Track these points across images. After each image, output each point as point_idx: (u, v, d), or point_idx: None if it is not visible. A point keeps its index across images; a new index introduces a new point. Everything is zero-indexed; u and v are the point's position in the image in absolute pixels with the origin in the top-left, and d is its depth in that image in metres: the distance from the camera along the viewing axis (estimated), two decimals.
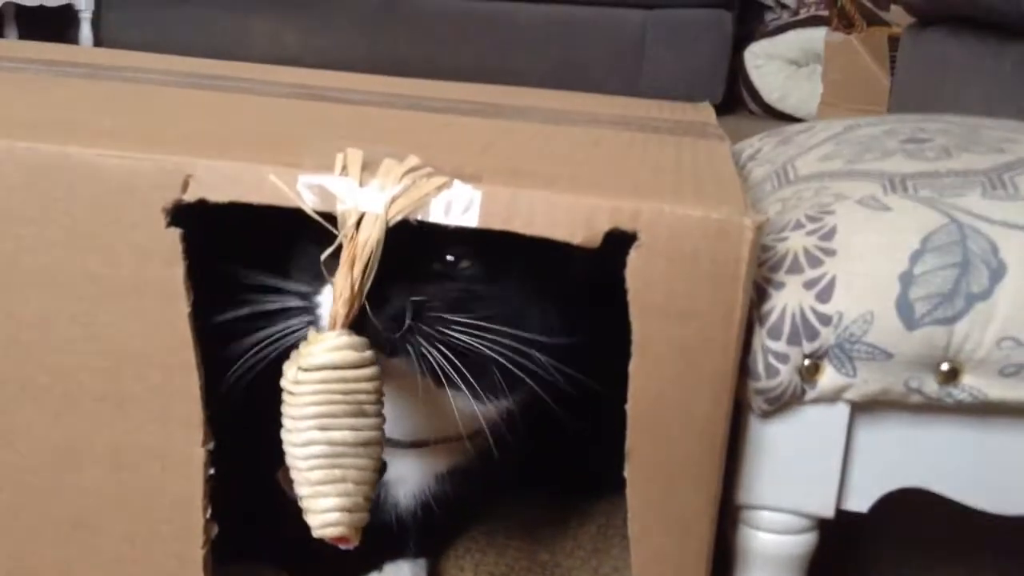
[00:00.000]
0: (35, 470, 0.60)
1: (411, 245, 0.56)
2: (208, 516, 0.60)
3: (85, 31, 3.33)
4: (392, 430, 0.62)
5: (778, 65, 3.27)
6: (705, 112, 0.94)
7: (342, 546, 0.56)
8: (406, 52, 3.22)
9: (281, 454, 0.55)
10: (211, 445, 0.58)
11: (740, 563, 0.62)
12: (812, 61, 3.13)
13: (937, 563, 0.84)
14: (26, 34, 3.33)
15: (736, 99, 3.36)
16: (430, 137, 0.70)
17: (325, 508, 0.54)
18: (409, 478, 0.74)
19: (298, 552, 0.73)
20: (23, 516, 0.61)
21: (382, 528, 0.75)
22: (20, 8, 3.22)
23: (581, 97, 1.00)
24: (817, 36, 3.03)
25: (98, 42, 3.37)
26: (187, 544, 0.60)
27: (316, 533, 0.55)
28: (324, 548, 0.70)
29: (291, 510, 0.56)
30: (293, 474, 0.54)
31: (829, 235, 0.57)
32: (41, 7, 3.16)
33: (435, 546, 0.79)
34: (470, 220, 0.54)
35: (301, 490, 0.54)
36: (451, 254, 0.61)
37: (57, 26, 3.30)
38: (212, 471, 0.59)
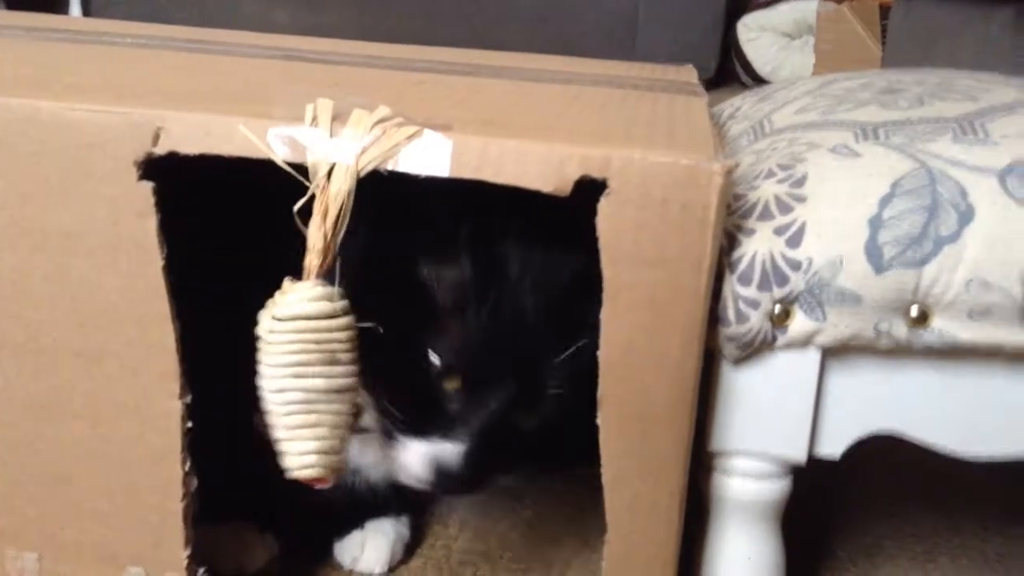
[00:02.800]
0: (13, 425, 0.60)
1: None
2: (187, 470, 0.60)
3: (74, 8, 3.31)
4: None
5: (771, 37, 3.25)
6: (686, 72, 0.93)
7: (318, 486, 0.57)
8: (397, 28, 3.21)
9: (256, 399, 0.55)
10: (188, 398, 0.59)
11: (714, 510, 0.62)
12: (805, 33, 3.12)
13: (910, 510, 0.85)
14: (14, 10, 3.32)
15: (729, 72, 3.35)
16: (404, 92, 0.69)
17: (302, 451, 0.55)
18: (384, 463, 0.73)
19: (282, 512, 0.74)
20: (3, 471, 0.61)
21: (364, 487, 0.76)
22: None
23: (563, 59, 0.99)
24: (810, 8, 3.02)
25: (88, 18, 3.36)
26: (167, 498, 0.60)
27: (293, 475, 0.55)
28: (307, 507, 0.71)
29: (272, 467, 0.57)
30: (269, 419, 0.55)
31: (800, 182, 0.57)
32: None
33: (417, 503, 0.79)
34: (442, 170, 0.54)
35: (278, 434, 0.55)
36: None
37: (46, 3, 3.28)
38: (190, 424, 0.59)
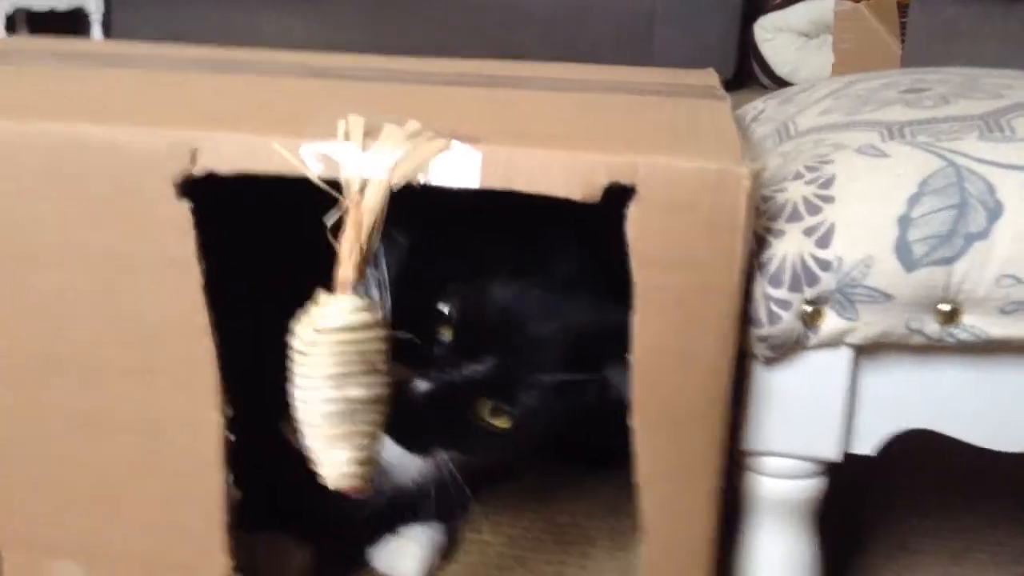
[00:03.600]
0: (60, 440, 0.62)
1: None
2: (228, 481, 0.61)
3: (96, 33, 3.36)
4: None
5: (788, 38, 3.25)
6: (707, 76, 0.94)
7: (355, 496, 0.57)
8: (415, 40, 3.23)
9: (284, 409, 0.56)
10: (229, 410, 0.60)
11: (749, 509, 0.63)
12: (823, 32, 3.12)
13: (946, 506, 0.85)
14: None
15: (747, 74, 3.35)
16: (430, 106, 0.71)
17: (339, 460, 0.56)
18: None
19: (318, 521, 0.75)
20: (52, 484, 0.63)
21: (399, 493, 0.77)
22: (31, 12, 3.26)
23: (585, 67, 1.00)
24: (827, 7, 3.02)
25: None
26: (209, 508, 0.62)
27: (331, 485, 0.56)
28: (344, 515, 0.72)
29: (305, 476, 0.58)
30: (305, 429, 0.56)
31: (828, 183, 0.58)
32: (52, 11, 3.20)
33: (452, 509, 0.80)
34: (471, 181, 0.55)
35: (315, 444, 0.56)
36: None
37: (68, 29, 3.34)
38: (232, 437, 0.61)
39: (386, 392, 0.58)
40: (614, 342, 0.64)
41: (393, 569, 0.77)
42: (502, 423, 0.66)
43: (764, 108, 0.84)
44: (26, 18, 3.34)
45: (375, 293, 0.66)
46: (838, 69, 2.74)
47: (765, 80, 3.33)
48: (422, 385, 0.64)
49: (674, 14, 3.07)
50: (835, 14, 2.83)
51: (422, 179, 0.55)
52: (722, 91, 0.82)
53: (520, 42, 3.17)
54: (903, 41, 2.25)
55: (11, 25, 3.16)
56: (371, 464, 0.58)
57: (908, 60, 2.00)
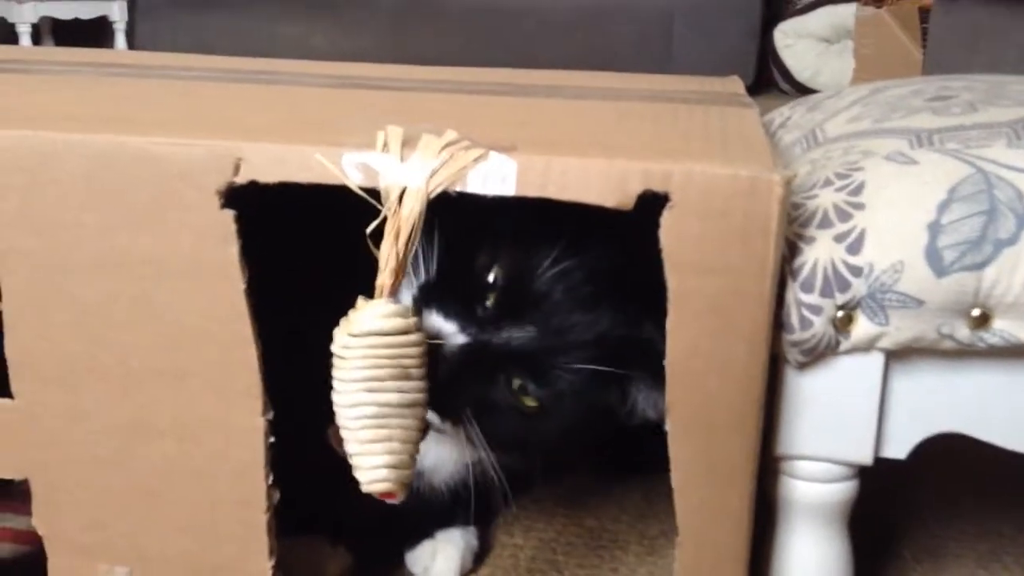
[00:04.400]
0: (104, 444, 0.63)
1: None
2: (269, 483, 0.62)
3: (120, 41, 3.41)
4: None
5: (809, 43, 3.25)
6: (733, 84, 0.95)
7: (389, 500, 0.59)
8: (434, 48, 3.25)
9: (330, 414, 0.58)
10: (270, 415, 0.61)
11: (782, 513, 0.64)
12: (843, 37, 3.12)
13: (975, 510, 0.85)
14: (62, 46, 3.41)
15: (767, 79, 3.35)
16: (466, 115, 0.72)
17: (374, 465, 0.57)
18: (451, 459, 0.76)
19: (354, 524, 0.76)
20: (95, 488, 0.64)
21: (434, 497, 0.78)
22: (56, 22, 3.30)
23: (611, 75, 1.01)
24: (847, 12, 3.02)
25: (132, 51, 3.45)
26: (251, 511, 0.63)
27: (365, 488, 0.57)
28: (379, 519, 0.73)
29: (344, 480, 0.59)
30: (343, 433, 0.57)
31: (858, 190, 0.59)
32: (76, 20, 3.24)
33: (485, 513, 0.81)
34: (508, 189, 0.56)
35: (351, 448, 0.57)
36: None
37: (92, 38, 3.38)
38: (272, 440, 0.62)
39: (421, 398, 0.59)
40: (638, 354, 0.66)
41: (428, 572, 0.78)
42: (530, 402, 0.67)
43: (790, 115, 0.84)
44: (51, 27, 3.38)
45: (421, 274, 0.67)
46: (859, 75, 2.74)
47: (785, 85, 3.33)
48: (459, 338, 0.65)
49: (693, 20, 3.08)
50: (856, 20, 2.84)
51: (459, 188, 0.56)
52: (749, 98, 0.83)
53: (539, 48, 3.19)
54: (924, 46, 2.25)
55: (36, 33, 3.20)
56: (406, 469, 0.59)
57: (930, 65, 2.00)
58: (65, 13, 3.18)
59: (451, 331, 0.65)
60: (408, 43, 3.28)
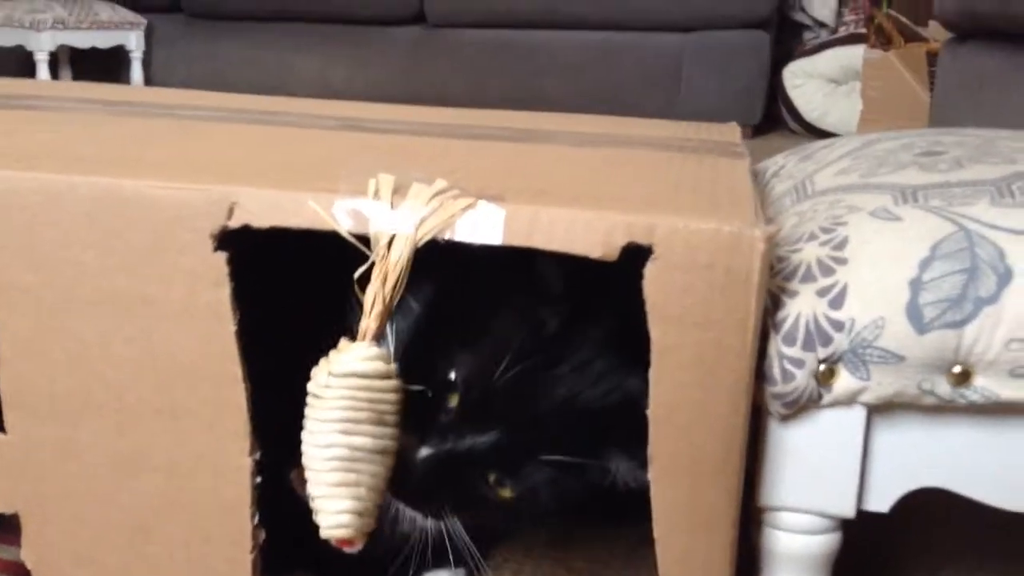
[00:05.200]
0: (96, 478, 0.64)
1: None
2: (256, 522, 0.63)
3: (136, 71, 3.45)
4: None
5: (817, 83, 3.27)
6: (730, 132, 0.96)
7: (347, 549, 0.59)
8: (447, 82, 3.29)
9: (295, 456, 0.58)
10: (258, 454, 0.62)
11: (765, 563, 0.64)
12: (851, 79, 3.14)
13: (960, 562, 0.85)
14: (80, 74, 3.47)
15: (775, 118, 3.37)
16: (458, 162, 0.73)
17: (338, 510, 0.57)
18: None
19: (339, 565, 0.77)
20: (86, 522, 0.65)
21: (420, 538, 0.78)
22: (74, 50, 3.35)
23: (610, 120, 1.03)
24: (856, 54, 3.04)
25: (148, 80, 3.50)
26: (237, 549, 0.64)
27: (325, 534, 0.58)
28: (361, 559, 0.74)
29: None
30: (309, 475, 0.58)
31: (841, 245, 0.60)
32: (94, 49, 3.29)
33: (472, 556, 0.81)
34: (494, 239, 0.57)
35: (316, 491, 0.58)
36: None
37: (109, 66, 3.43)
38: (259, 479, 0.63)
39: (392, 446, 0.60)
40: (618, 417, 0.66)
41: None
42: (506, 493, 0.67)
43: (785, 164, 0.85)
44: (69, 55, 3.43)
45: (391, 348, 0.68)
46: (866, 116, 2.76)
47: (794, 125, 3.35)
48: (423, 451, 0.66)
49: (702, 58, 3.11)
50: (864, 62, 2.86)
51: (447, 236, 0.58)
52: (742, 148, 0.84)
53: (550, 83, 3.22)
54: (932, 89, 2.26)
55: (54, 61, 3.25)
56: (368, 517, 0.59)
57: (937, 109, 2.01)
58: (83, 42, 3.23)
59: (412, 444, 0.65)
60: (422, 77, 3.32)
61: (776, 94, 3.35)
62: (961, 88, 1.89)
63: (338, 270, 0.59)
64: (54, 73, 3.24)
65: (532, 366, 0.67)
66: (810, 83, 3.31)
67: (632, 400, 0.66)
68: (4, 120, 0.84)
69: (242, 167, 0.67)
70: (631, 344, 0.62)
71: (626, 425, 0.64)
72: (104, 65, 3.40)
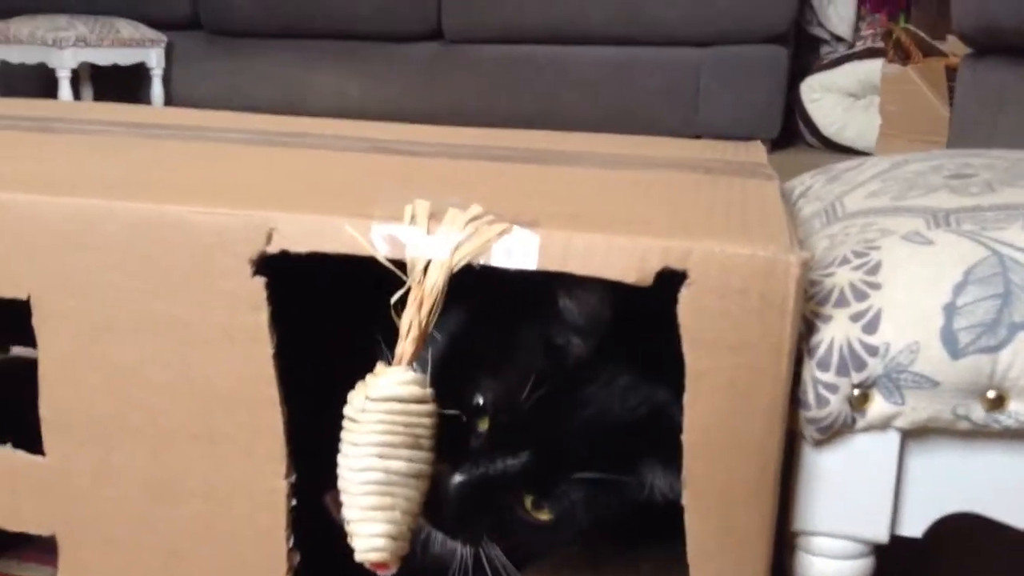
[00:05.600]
0: (132, 502, 0.65)
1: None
2: (291, 546, 0.64)
3: (156, 87, 3.48)
4: None
5: (835, 98, 3.27)
6: (755, 151, 0.96)
7: (381, 572, 0.59)
8: (464, 98, 3.30)
9: (330, 479, 0.59)
10: (293, 478, 0.63)
11: None
12: (870, 93, 3.14)
13: None
14: (101, 91, 3.50)
15: (793, 132, 3.37)
16: (491, 185, 0.74)
17: (373, 533, 0.58)
18: None
19: None
20: (122, 546, 0.66)
21: (458, 564, 0.78)
22: (95, 68, 3.39)
23: (634, 140, 1.03)
24: (874, 68, 3.04)
25: (169, 97, 3.53)
26: (272, 572, 0.64)
27: (359, 557, 0.58)
28: None
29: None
30: (344, 498, 0.58)
31: (874, 270, 0.60)
32: (115, 66, 3.32)
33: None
34: (529, 264, 0.58)
35: (351, 514, 0.58)
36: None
37: (130, 83, 3.46)
38: (294, 503, 0.63)
39: (427, 470, 0.60)
40: (650, 429, 0.66)
41: None
42: (544, 515, 0.67)
43: (811, 184, 0.86)
44: (90, 72, 3.47)
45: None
46: (885, 131, 2.75)
47: (811, 139, 3.35)
48: (457, 477, 0.66)
49: (720, 73, 3.11)
50: (882, 77, 2.86)
51: (483, 260, 0.58)
52: (771, 170, 0.85)
53: (566, 98, 3.23)
54: (951, 104, 2.26)
55: (76, 79, 3.28)
56: (404, 541, 0.59)
57: (956, 124, 2.01)
58: (104, 60, 3.26)
59: (445, 471, 0.65)
60: (439, 92, 3.34)
61: (794, 108, 3.35)
62: (980, 104, 1.89)
63: (372, 295, 0.60)
64: (75, 90, 3.27)
65: (558, 387, 0.67)
66: (828, 97, 3.31)
67: (661, 411, 0.66)
68: (35, 144, 0.85)
69: (277, 191, 0.68)
70: (655, 356, 0.62)
71: (658, 437, 0.65)
72: (125, 81, 3.43)
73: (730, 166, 0.85)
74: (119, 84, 3.42)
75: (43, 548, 0.80)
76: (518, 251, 0.58)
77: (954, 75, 2.16)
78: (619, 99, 3.19)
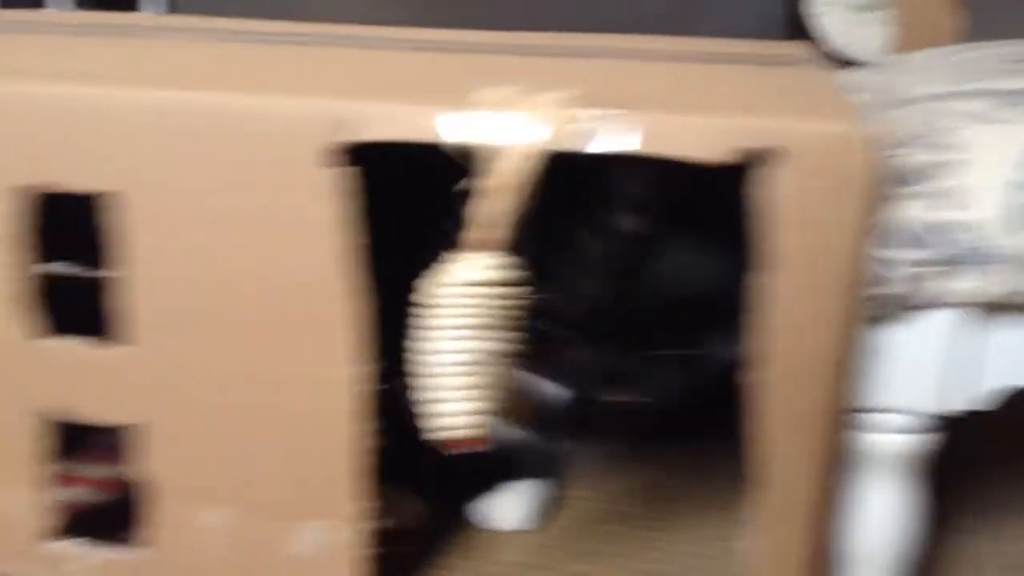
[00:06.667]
0: (209, 393, 0.66)
1: None
2: (365, 432, 0.65)
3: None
4: None
5: (842, 11, 3.23)
6: (799, 49, 0.96)
7: (468, 449, 0.60)
8: (462, 14, 3.23)
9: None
10: (366, 366, 0.63)
11: (861, 464, 0.65)
12: (876, 7, 3.09)
13: None
14: (84, 8, 3.40)
15: None
16: (566, 77, 0.72)
17: (460, 411, 0.59)
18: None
19: (429, 474, 0.79)
20: (200, 435, 0.67)
21: (504, 450, 0.80)
22: None
23: (683, 40, 1.01)
24: None
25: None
26: (343, 457, 0.65)
27: (449, 436, 0.59)
28: (449, 470, 0.75)
29: (417, 431, 0.61)
30: (429, 382, 0.59)
31: (945, 148, 0.60)
32: None
33: (554, 468, 0.83)
34: (632, 146, 0.57)
35: (438, 395, 0.59)
36: None
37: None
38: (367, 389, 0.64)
39: (511, 349, 0.61)
40: (712, 312, 0.68)
41: (499, 522, 0.80)
42: (623, 397, 0.69)
43: (858, 78, 0.85)
44: None
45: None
46: (900, 44, 2.71)
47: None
48: (555, 391, 0.67)
49: None
50: None
51: (581, 147, 0.57)
52: (824, 60, 0.84)
53: (566, 9, 3.17)
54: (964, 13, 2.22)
55: None
56: (486, 420, 0.61)
57: (974, 31, 1.98)
58: None
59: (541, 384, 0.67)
60: (439, 11, 3.27)
61: (799, 21, 3.30)
62: (995, 6, 1.86)
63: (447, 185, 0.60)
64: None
65: (620, 270, 0.68)
66: (835, 10, 3.26)
67: (722, 288, 0.67)
68: (101, 46, 0.83)
69: (342, 84, 0.67)
70: (713, 236, 0.63)
71: (720, 312, 0.66)
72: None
73: (782, 59, 0.85)
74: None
75: (106, 446, 0.81)
76: (618, 136, 0.57)
77: None
78: (619, 8, 3.12)
